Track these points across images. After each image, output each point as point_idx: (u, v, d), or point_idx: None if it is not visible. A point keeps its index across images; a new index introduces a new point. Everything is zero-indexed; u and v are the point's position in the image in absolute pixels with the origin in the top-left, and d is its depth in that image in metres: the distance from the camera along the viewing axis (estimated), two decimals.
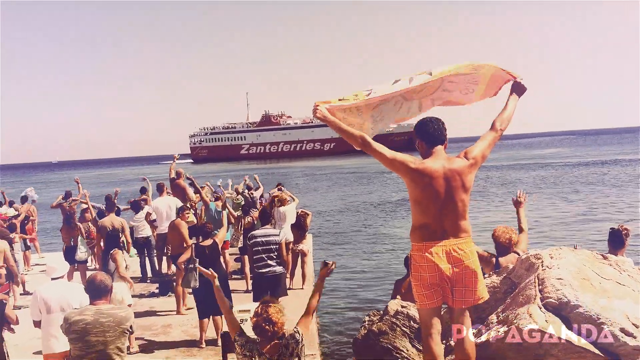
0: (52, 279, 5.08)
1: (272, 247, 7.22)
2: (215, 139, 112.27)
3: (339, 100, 4.03)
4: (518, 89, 4.04)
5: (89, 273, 9.77)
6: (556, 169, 43.24)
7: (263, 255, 7.16)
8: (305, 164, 76.02)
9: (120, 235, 8.42)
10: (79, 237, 10.22)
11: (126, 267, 7.07)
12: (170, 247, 9.73)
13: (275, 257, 7.22)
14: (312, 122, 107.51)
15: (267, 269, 7.17)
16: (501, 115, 3.95)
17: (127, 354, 6.14)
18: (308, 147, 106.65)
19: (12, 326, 5.30)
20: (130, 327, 4.01)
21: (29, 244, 12.52)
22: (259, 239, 7.22)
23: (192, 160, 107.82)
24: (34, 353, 6.38)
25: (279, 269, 7.26)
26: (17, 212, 11.93)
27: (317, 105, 3.87)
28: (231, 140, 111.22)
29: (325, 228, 21.34)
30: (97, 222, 9.48)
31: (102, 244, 8.97)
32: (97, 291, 3.98)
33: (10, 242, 9.23)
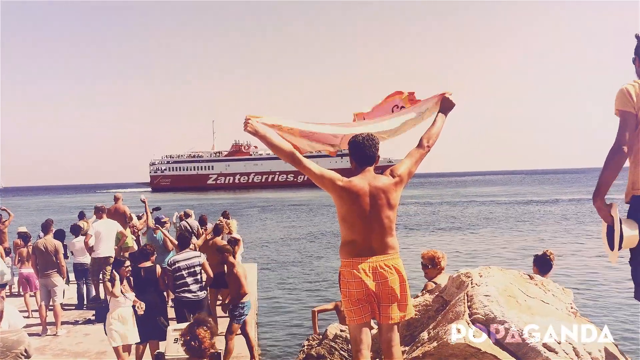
0: None
1: (195, 269, 7.40)
2: (179, 167, 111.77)
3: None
4: (447, 104, 4.29)
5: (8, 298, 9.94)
6: (496, 206, 46.28)
7: (186, 280, 7.31)
8: (275, 195, 76.66)
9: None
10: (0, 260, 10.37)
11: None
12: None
13: (199, 280, 7.41)
14: None
15: (190, 294, 7.33)
16: (429, 132, 4.20)
17: None
18: (280, 178, 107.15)
19: None
20: (25, 350, 4.00)
21: None
22: (181, 263, 7.36)
23: (150, 190, 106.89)
24: None
25: (201, 293, 7.44)
26: None
27: (248, 119, 4.07)
28: (197, 169, 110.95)
29: (267, 257, 22.21)
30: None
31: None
32: None
33: None
